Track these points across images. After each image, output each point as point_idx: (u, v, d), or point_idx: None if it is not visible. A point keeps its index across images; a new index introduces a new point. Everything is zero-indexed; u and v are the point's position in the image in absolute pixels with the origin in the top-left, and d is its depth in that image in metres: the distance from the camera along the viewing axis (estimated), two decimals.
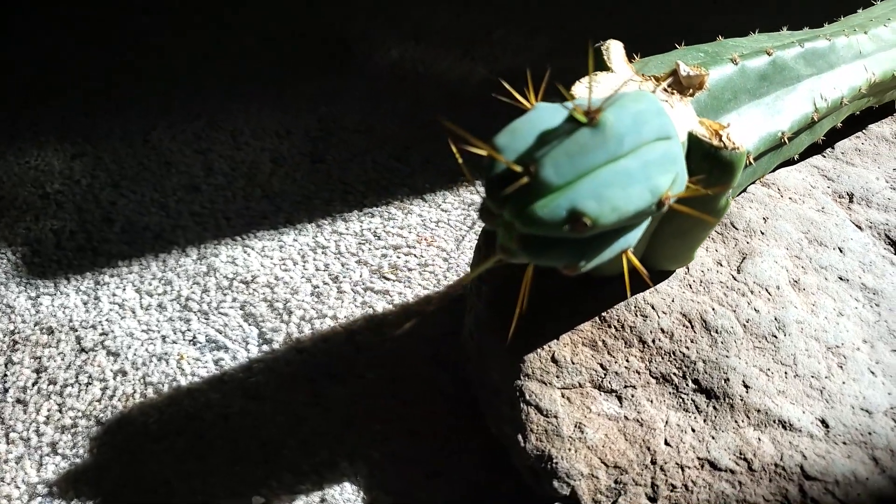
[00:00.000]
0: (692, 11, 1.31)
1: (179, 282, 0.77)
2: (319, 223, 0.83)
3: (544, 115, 0.43)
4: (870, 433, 0.54)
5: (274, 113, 1.02)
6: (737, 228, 0.67)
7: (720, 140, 0.51)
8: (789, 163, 0.73)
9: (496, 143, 0.43)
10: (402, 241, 0.81)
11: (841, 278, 0.64)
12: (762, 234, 0.67)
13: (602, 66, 0.55)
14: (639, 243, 0.58)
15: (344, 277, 0.76)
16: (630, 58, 0.59)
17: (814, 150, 0.76)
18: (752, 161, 0.58)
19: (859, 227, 0.70)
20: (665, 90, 0.54)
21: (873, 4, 0.80)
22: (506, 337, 0.58)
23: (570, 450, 0.54)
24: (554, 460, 0.53)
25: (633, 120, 0.43)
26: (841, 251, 0.67)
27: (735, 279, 0.63)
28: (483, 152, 0.42)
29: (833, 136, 0.77)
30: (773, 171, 0.72)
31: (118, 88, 1.09)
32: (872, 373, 0.58)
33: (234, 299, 0.75)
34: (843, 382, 0.57)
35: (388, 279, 0.76)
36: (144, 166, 0.92)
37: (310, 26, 1.24)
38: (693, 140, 0.51)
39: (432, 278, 0.77)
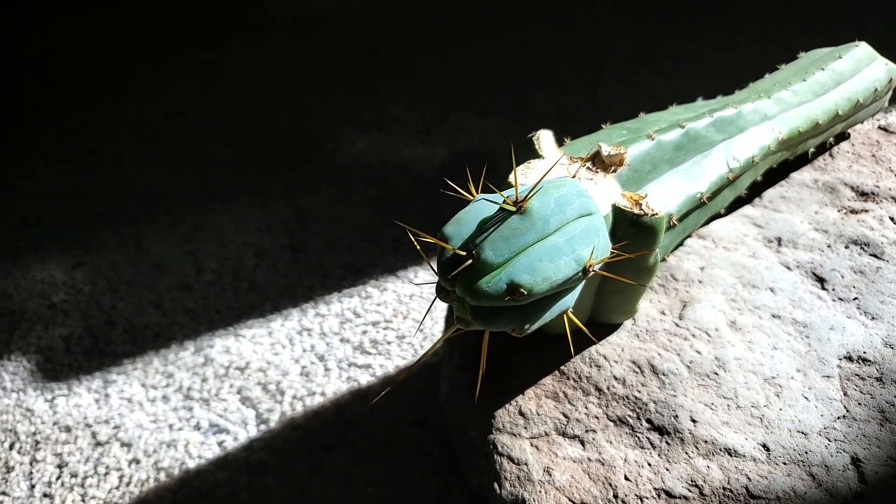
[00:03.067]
0: (631, 77, 1.42)
1: (180, 374, 0.84)
2: (303, 308, 0.91)
3: (483, 205, 0.52)
4: (806, 452, 0.61)
5: (254, 210, 1.10)
6: (677, 279, 0.75)
7: (640, 208, 0.59)
8: (719, 216, 0.82)
9: (444, 232, 0.51)
10: (379, 317, 0.88)
11: (774, 316, 0.72)
12: (700, 282, 0.75)
13: (534, 153, 0.64)
14: (586, 302, 0.66)
15: (329, 356, 0.84)
16: (561, 141, 0.68)
17: (744, 201, 0.85)
18: (676, 222, 0.66)
19: (788, 268, 0.77)
20: (589, 169, 0.62)
21: (778, 69, 0.90)
22: (480, 399, 0.66)
23: (540, 492, 0.60)
24: (527, 503, 0.60)
25: (556, 203, 0.51)
26: (772, 291, 0.74)
27: (678, 326, 0.71)
28: (433, 241, 0.50)
29: (760, 188, 0.86)
30: (705, 225, 0.80)
31: (103, 205, 1.17)
32: (806, 398, 0.65)
33: (231, 385, 0.82)
34: (781, 409, 0.64)
35: (369, 353, 0.83)
36: (139, 270, 1.00)
37: (278, 128, 1.34)
38: (617, 211, 0.59)
39: (410, 349, 0.84)
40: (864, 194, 0.85)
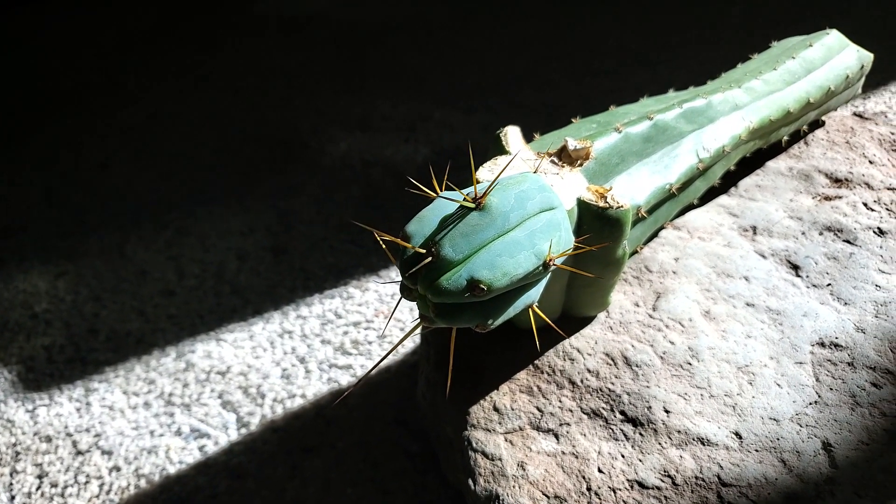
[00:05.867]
0: (618, 70, 1.42)
1: (162, 380, 0.84)
2: (284, 310, 0.91)
3: (446, 202, 0.52)
4: (778, 438, 0.61)
5: (237, 214, 1.11)
6: (651, 271, 0.75)
7: (605, 201, 0.59)
8: (693, 207, 0.82)
9: (406, 230, 0.51)
10: (360, 318, 0.88)
11: (748, 304, 0.72)
12: (674, 273, 0.75)
13: (502, 150, 0.64)
14: (558, 296, 0.66)
15: (310, 357, 0.84)
16: (531, 137, 0.68)
17: (719, 191, 0.85)
18: (644, 214, 0.66)
19: (763, 256, 0.78)
20: (555, 164, 0.63)
21: (750, 58, 0.90)
22: (453, 394, 0.66)
23: (514, 487, 0.60)
24: (501, 498, 0.60)
25: (516, 199, 0.51)
26: (747, 280, 0.75)
27: (651, 317, 0.71)
28: (392, 240, 0.50)
29: (735, 177, 0.86)
30: (680, 215, 0.81)
31: (88, 213, 1.17)
32: (779, 385, 0.65)
33: (213, 390, 0.82)
34: (753, 397, 0.64)
35: (350, 354, 0.83)
36: (122, 278, 1.00)
37: (264, 130, 1.34)
38: (582, 204, 0.59)
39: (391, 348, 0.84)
40: (837, 181, 0.86)
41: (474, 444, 0.63)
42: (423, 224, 0.51)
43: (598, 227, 0.60)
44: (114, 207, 1.16)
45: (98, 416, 0.81)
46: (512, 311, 0.53)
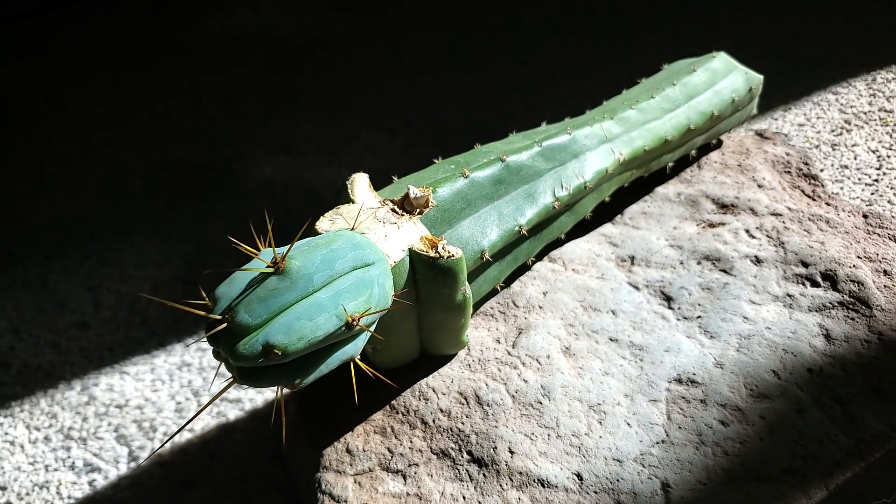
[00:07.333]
0: (544, 84, 1.42)
1: (64, 413, 0.87)
2: (187, 342, 0.93)
3: (259, 264, 0.53)
4: (618, 480, 0.62)
5: (157, 243, 1.13)
6: (518, 306, 0.76)
7: (436, 251, 0.60)
8: (561, 241, 0.82)
9: (215, 292, 0.53)
10: None
11: (611, 339, 0.73)
12: (540, 308, 0.76)
13: (347, 198, 0.65)
14: (411, 339, 0.68)
15: (204, 391, 0.86)
16: (390, 180, 0.70)
17: (605, 218, 0.85)
18: (489, 258, 0.67)
19: (636, 288, 0.78)
20: (395, 212, 0.64)
21: (637, 83, 0.90)
22: (313, 437, 0.68)
23: None
24: None
25: (322, 260, 0.53)
26: (614, 314, 0.75)
27: (510, 354, 0.72)
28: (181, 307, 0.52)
29: (622, 203, 0.87)
30: (552, 249, 0.81)
31: (16, 243, 1.18)
32: (628, 424, 0.66)
33: (110, 423, 0.85)
34: (601, 437, 0.65)
35: (241, 387, 0.85)
36: (41, 310, 1.03)
37: (192, 155, 1.35)
38: (414, 255, 0.61)
39: None
40: (724, 206, 0.86)
41: (323, 486, 0.65)
42: (232, 287, 0.53)
43: (431, 275, 0.61)
44: (42, 238, 1.18)
45: None
46: (325, 368, 0.55)
